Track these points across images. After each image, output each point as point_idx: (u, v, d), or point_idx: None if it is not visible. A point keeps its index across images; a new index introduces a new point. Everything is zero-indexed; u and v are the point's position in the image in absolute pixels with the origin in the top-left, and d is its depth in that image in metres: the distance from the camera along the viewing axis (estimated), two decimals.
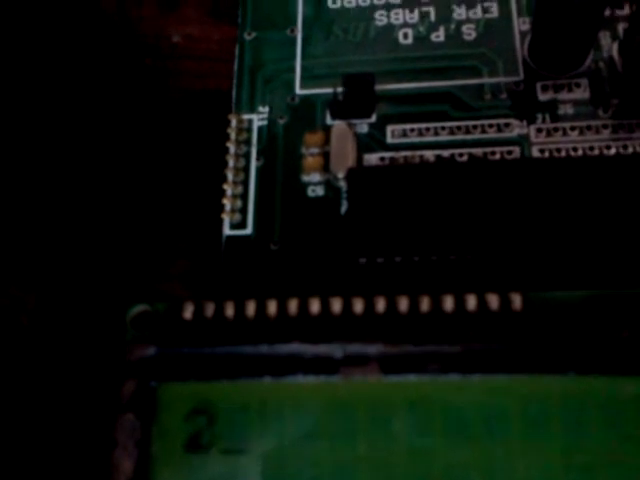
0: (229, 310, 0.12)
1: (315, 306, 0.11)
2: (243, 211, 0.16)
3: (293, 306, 0.11)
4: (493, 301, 0.11)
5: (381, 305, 0.11)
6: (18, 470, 0.15)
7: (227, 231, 0.16)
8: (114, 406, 0.11)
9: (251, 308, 0.12)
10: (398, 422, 0.10)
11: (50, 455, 0.15)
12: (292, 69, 0.18)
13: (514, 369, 0.10)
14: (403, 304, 0.11)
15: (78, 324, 0.16)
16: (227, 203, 0.16)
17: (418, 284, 0.14)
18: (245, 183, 0.17)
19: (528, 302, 0.11)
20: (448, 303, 0.11)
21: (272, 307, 0.11)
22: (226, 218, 0.16)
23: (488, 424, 0.10)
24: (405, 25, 0.18)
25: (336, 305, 0.11)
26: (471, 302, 0.11)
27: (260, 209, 0.16)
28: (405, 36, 0.18)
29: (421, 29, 0.18)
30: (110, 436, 0.11)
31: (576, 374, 0.10)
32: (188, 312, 0.12)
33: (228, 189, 0.16)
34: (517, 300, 0.11)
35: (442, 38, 0.18)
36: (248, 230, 0.16)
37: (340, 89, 0.17)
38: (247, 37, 0.18)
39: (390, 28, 0.18)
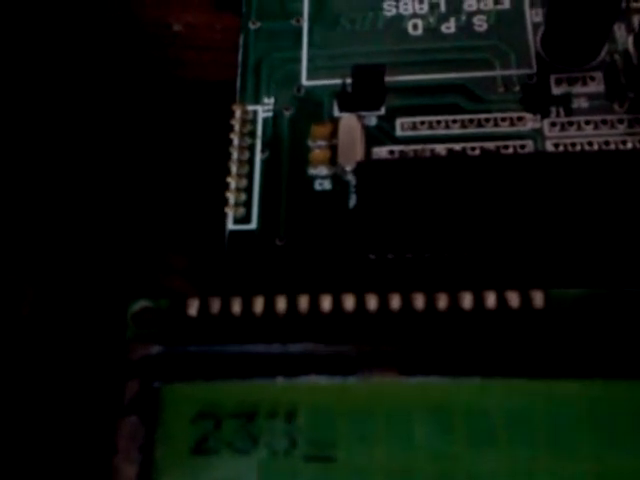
0: (236, 306, 0.11)
1: (327, 303, 0.11)
2: (247, 205, 0.16)
3: (304, 303, 0.11)
4: (513, 299, 0.11)
5: (396, 302, 0.11)
6: (13, 474, 0.14)
7: (231, 226, 0.16)
8: (115, 408, 0.10)
9: (259, 305, 0.11)
10: (418, 426, 0.10)
11: (47, 459, 0.14)
12: (298, 60, 0.17)
13: (539, 371, 0.10)
14: (419, 301, 0.11)
15: (78, 320, 0.15)
16: (231, 197, 0.16)
17: (429, 281, 0.14)
18: (249, 176, 0.16)
19: (550, 300, 0.11)
20: (467, 301, 0.11)
21: (281, 304, 0.11)
22: (230, 212, 0.16)
23: (513, 428, 0.10)
24: (414, 16, 0.18)
25: (349, 302, 0.11)
26: (490, 299, 0.11)
27: (265, 203, 0.16)
28: (415, 27, 0.17)
29: (431, 20, 0.17)
30: (111, 440, 0.10)
31: (603, 378, 0.10)
32: (193, 308, 0.11)
33: (232, 182, 0.16)
34: (538, 298, 0.11)
35: (453, 29, 0.17)
36: (252, 225, 0.16)
37: (349, 80, 0.16)
38: (252, 26, 0.18)
39: (399, 19, 0.18)
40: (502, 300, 0.11)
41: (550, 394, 0.10)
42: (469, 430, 0.10)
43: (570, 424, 0.10)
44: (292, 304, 0.11)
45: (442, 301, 0.11)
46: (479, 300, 0.11)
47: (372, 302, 0.11)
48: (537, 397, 0.10)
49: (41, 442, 0.14)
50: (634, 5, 0.17)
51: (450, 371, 0.10)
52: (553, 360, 0.10)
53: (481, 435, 0.10)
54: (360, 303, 0.11)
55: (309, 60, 0.17)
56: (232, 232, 0.16)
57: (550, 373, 0.10)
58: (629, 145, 0.15)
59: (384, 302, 0.11)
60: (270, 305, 0.11)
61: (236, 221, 0.16)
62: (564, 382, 0.10)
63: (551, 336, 0.10)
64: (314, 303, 0.11)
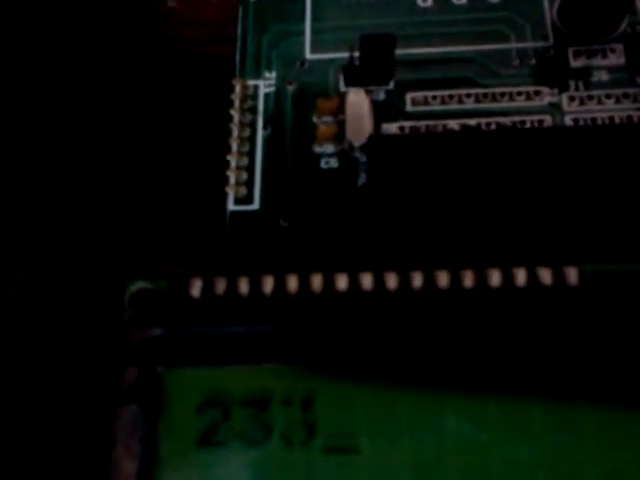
0: (243, 287, 0.10)
1: (343, 282, 0.10)
2: (249, 184, 0.15)
3: (317, 282, 0.10)
4: (545, 275, 0.10)
5: (418, 280, 0.10)
6: (5, 468, 0.13)
7: (231, 206, 0.15)
8: (114, 396, 0.09)
9: (268, 284, 0.10)
10: (449, 415, 0.09)
11: (42, 452, 0.13)
12: (301, 32, 0.16)
13: (578, 358, 0.09)
14: (443, 279, 0.10)
15: (72, 302, 0.14)
16: (231, 176, 0.15)
17: (445, 259, 0.13)
18: (251, 154, 0.15)
19: (583, 275, 0.10)
20: (495, 278, 0.10)
21: (293, 282, 0.10)
22: (230, 192, 0.15)
23: (551, 417, 0.09)
24: None
25: (366, 280, 0.10)
26: (520, 277, 0.10)
27: (267, 182, 0.15)
28: None
29: None
30: (109, 431, 0.09)
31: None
32: (196, 289, 0.10)
33: (232, 160, 0.15)
34: (572, 274, 0.10)
35: (465, 0, 0.16)
36: (255, 205, 0.15)
37: (356, 53, 0.15)
38: None
39: None
40: (533, 276, 0.10)
41: (590, 380, 0.09)
42: (503, 419, 0.09)
43: (613, 408, 0.09)
44: (304, 283, 0.10)
45: (468, 279, 0.10)
46: (508, 277, 0.10)
47: (391, 281, 0.10)
48: (576, 382, 0.09)
49: (34, 434, 0.13)
50: None
51: (480, 353, 0.09)
52: (591, 342, 0.09)
53: (516, 424, 0.09)
54: (379, 282, 0.10)
55: (313, 33, 0.16)
56: (233, 213, 0.15)
57: (589, 357, 0.09)
58: None
59: (405, 280, 0.10)
60: (281, 284, 0.10)
61: (237, 201, 0.15)
62: (603, 366, 0.09)
63: (586, 314, 0.09)
64: (328, 282, 0.10)
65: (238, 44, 0.17)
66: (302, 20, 0.17)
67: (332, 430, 0.09)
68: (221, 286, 0.10)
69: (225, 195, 0.15)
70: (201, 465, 0.09)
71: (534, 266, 0.10)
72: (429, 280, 0.10)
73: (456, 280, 0.10)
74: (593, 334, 0.09)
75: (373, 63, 0.15)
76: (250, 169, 0.15)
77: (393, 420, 0.09)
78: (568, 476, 0.08)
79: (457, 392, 0.09)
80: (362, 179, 0.15)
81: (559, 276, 0.10)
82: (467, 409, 0.09)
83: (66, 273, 0.15)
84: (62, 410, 0.13)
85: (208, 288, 0.10)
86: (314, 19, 0.17)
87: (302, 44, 0.16)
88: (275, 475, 0.09)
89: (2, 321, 0.14)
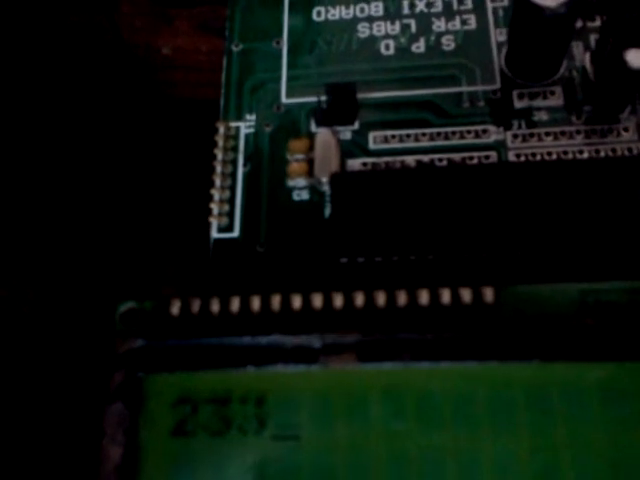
0: (214, 306, 0.12)
1: (297, 301, 0.12)
2: (230, 215, 0.17)
3: (276, 301, 0.12)
4: (466, 295, 0.12)
5: (360, 299, 0.12)
6: (8, 457, 0.15)
7: (215, 234, 0.17)
8: (103, 396, 0.11)
9: (235, 304, 0.12)
10: (374, 408, 0.11)
11: (42, 442, 0.15)
12: (278, 79, 0.18)
13: (482, 356, 0.11)
14: (381, 298, 0.12)
15: (72, 320, 0.16)
16: (215, 207, 0.17)
17: (397, 282, 0.15)
18: (232, 188, 0.17)
19: (498, 294, 0.12)
20: (424, 297, 0.12)
21: (256, 302, 0.12)
22: (214, 222, 0.17)
23: (458, 409, 0.11)
24: (387, 37, 0.19)
25: (317, 300, 0.12)
26: (445, 296, 0.12)
27: (247, 213, 0.17)
28: (387, 47, 0.19)
29: (402, 40, 0.19)
30: (99, 425, 0.11)
31: (541, 361, 0.11)
32: (175, 308, 0.12)
33: (216, 194, 0.17)
34: (489, 293, 0.12)
35: (422, 49, 0.18)
36: (235, 233, 0.17)
37: (324, 98, 0.17)
38: (235, 49, 0.19)
39: (372, 40, 0.19)
40: (456, 296, 0.12)
41: (491, 378, 0.11)
42: (419, 411, 0.11)
43: (508, 405, 0.11)
44: (265, 302, 0.12)
45: (402, 298, 0.12)
46: (435, 296, 0.12)
47: (338, 300, 0.12)
48: (479, 381, 0.11)
49: (37, 426, 0.15)
50: (590, 25, 0.18)
51: (403, 358, 0.11)
52: (495, 347, 0.11)
53: (430, 415, 0.11)
54: (327, 301, 0.12)
55: (288, 79, 0.18)
56: (216, 240, 0.17)
57: (491, 358, 0.11)
58: (585, 155, 0.16)
59: (349, 299, 0.12)
60: (245, 304, 0.12)
61: (220, 230, 0.17)
62: (503, 367, 0.11)
63: (495, 326, 0.11)
64: (285, 301, 0.12)
65: (223, 90, 0.19)
66: (279, 68, 0.19)
67: (278, 422, 0.11)
68: (195, 306, 0.12)
69: (209, 224, 0.17)
70: (174, 451, 0.11)
71: (457, 287, 0.12)
72: (369, 299, 0.12)
73: (392, 299, 0.12)
74: (502, 345, 0.11)
75: (338, 107, 0.17)
76: (231, 201, 0.17)
77: (328, 413, 0.11)
78: (469, 460, 0.10)
79: (382, 390, 0.11)
80: (328, 210, 0.17)
81: (477, 295, 0.12)
82: (389, 403, 0.11)
83: (68, 294, 0.17)
84: (62, 407, 0.15)
85: (185, 307, 0.12)
86: (290, 67, 0.19)
87: (278, 90, 0.18)
88: (233, 458, 0.11)
89: (18, 332, 0.16)
